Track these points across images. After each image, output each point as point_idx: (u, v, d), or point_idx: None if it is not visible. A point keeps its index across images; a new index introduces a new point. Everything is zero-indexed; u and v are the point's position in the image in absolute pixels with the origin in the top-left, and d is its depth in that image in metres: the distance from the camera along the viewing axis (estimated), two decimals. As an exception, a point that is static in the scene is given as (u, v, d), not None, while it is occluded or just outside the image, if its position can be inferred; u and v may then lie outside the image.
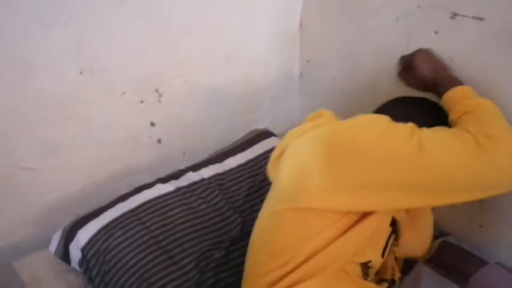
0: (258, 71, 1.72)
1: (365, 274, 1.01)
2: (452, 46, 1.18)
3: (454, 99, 1.02)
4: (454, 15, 1.18)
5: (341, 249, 0.94)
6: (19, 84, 1.19)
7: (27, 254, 1.32)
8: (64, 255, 1.28)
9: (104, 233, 1.25)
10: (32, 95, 1.22)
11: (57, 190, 1.40)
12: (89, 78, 1.29)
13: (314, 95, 1.81)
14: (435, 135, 0.91)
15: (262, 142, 1.59)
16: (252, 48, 1.65)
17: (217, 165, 1.50)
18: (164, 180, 1.42)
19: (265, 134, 1.63)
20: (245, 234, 1.31)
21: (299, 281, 0.93)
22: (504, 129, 0.92)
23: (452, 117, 1.01)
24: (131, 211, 1.30)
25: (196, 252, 1.24)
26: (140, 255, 1.21)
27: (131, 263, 1.20)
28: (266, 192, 1.41)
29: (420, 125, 0.94)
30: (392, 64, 1.39)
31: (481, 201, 1.24)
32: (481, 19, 1.12)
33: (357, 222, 0.95)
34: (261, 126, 1.74)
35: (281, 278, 0.94)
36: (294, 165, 0.99)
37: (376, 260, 1.02)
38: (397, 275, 1.15)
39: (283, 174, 1.02)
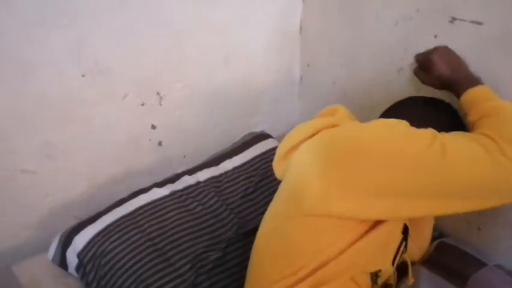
0: (258, 75, 1.72)
1: (374, 283, 0.98)
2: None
3: (473, 100, 0.99)
4: (453, 19, 1.19)
5: (354, 258, 0.92)
6: (20, 86, 1.20)
7: (27, 257, 1.32)
8: (61, 261, 1.28)
9: (100, 238, 1.26)
10: (32, 97, 1.23)
11: (58, 193, 1.40)
12: (90, 81, 1.30)
13: (314, 99, 1.81)
14: (457, 140, 0.89)
15: (258, 144, 1.60)
16: (252, 51, 1.65)
17: (213, 168, 1.51)
18: (160, 184, 1.43)
19: (261, 136, 1.64)
20: (241, 235, 1.32)
21: None
22: None
23: (470, 118, 0.99)
24: (127, 215, 1.31)
25: (191, 254, 1.24)
26: (136, 258, 1.22)
27: (126, 266, 1.20)
28: (262, 193, 1.43)
29: (437, 127, 0.92)
30: (391, 67, 1.41)
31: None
32: (480, 23, 1.13)
33: (370, 229, 0.92)
34: (261, 129, 1.74)
35: (291, 286, 0.92)
36: (307, 170, 0.96)
37: (386, 269, 1.00)
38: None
39: (295, 177, 1.00)
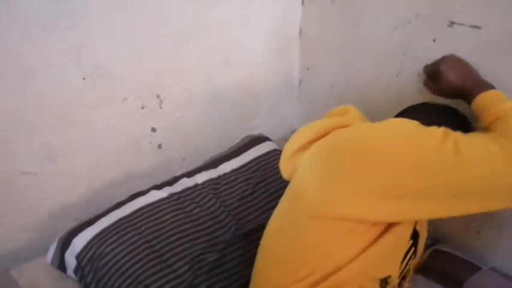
0: (257, 78, 1.73)
1: None
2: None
3: (484, 104, 0.97)
4: (451, 23, 1.20)
5: (364, 265, 0.90)
6: (20, 89, 1.20)
7: (27, 259, 1.32)
8: (60, 263, 1.28)
9: (98, 240, 1.26)
10: (33, 100, 1.23)
11: (58, 195, 1.40)
12: (91, 84, 1.30)
13: (313, 102, 1.82)
14: (472, 139, 0.86)
15: (256, 147, 1.60)
16: (252, 54, 1.66)
17: (211, 170, 1.51)
18: (158, 187, 1.43)
19: (259, 139, 1.64)
20: (239, 237, 1.32)
21: None
22: None
23: (483, 123, 0.96)
24: (125, 218, 1.31)
25: (189, 255, 1.25)
26: (134, 260, 1.22)
27: (124, 268, 1.21)
28: (260, 195, 1.43)
29: None
30: (390, 71, 1.42)
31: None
32: (478, 27, 1.14)
33: (381, 235, 0.90)
34: (260, 132, 1.75)
35: None
36: (321, 172, 0.94)
37: (395, 275, 0.98)
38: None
39: (304, 178, 0.98)
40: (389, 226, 0.90)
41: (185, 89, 1.53)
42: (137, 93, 1.42)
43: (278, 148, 1.61)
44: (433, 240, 1.35)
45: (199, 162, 1.57)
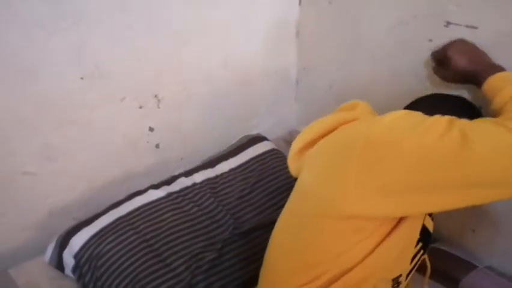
0: (255, 78, 1.73)
1: None
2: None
3: (495, 87, 0.94)
4: (448, 23, 1.21)
5: (377, 263, 0.88)
6: (20, 89, 1.20)
7: (26, 259, 1.33)
8: (58, 263, 1.28)
9: (96, 239, 1.26)
10: (32, 100, 1.23)
11: (58, 195, 1.40)
12: (90, 84, 1.30)
13: (311, 102, 1.83)
14: (479, 126, 0.82)
15: (254, 146, 1.60)
16: (250, 54, 1.66)
17: (209, 170, 1.51)
18: (156, 186, 1.44)
19: (257, 139, 1.64)
20: (237, 236, 1.33)
21: None
22: None
23: (495, 106, 0.93)
24: (123, 217, 1.31)
25: (187, 255, 1.25)
26: (132, 259, 1.22)
27: (122, 267, 1.21)
28: (258, 194, 1.44)
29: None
30: (387, 71, 1.42)
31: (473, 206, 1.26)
32: (474, 28, 1.15)
33: (390, 233, 0.88)
34: (258, 132, 1.75)
35: None
36: (327, 168, 0.92)
37: (405, 273, 0.96)
38: None
39: (311, 177, 0.96)
40: (398, 224, 0.88)
41: (183, 89, 1.53)
42: (135, 93, 1.42)
43: (276, 148, 1.62)
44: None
45: (197, 162, 1.57)
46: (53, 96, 1.26)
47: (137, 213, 1.33)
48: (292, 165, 1.06)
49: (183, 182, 1.45)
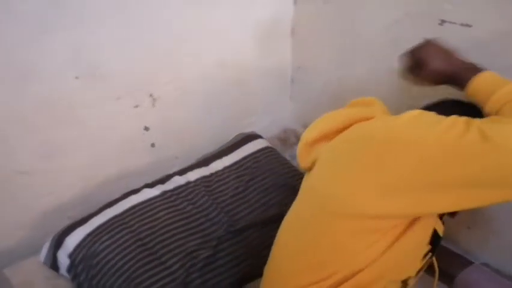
0: (250, 77, 1.73)
1: None
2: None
3: (485, 88, 0.91)
4: (442, 22, 1.21)
5: (387, 264, 0.87)
6: (17, 89, 1.20)
7: (21, 258, 1.32)
8: (53, 263, 1.28)
9: (91, 238, 1.26)
10: (29, 99, 1.23)
11: (54, 193, 1.40)
12: (85, 83, 1.30)
13: (306, 100, 1.83)
14: (494, 123, 0.80)
15: (248, 144, 1.61)
16: (245, 54, 1.67)
17: (203, 168, 1.51)
18: (150, 185, 1.44)
19: (251, 137, 1.64)
20: (231, 233, 1.33)
21: None
22: None
23: (490, 107, 0.90)
24: (117, 216, 1.31)
25: (182, 252, 1.25)
26: (127, 258, 1.22)
27: (117, 266, 1.21)
28: (253, 192, 1.44)
29: None
30: (381, 69, 1.43)
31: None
32: (469, 26, 1.16)
33: (402, 234, 0.86)
34: (254, 130, 1.75)
35: None
36: (341, 167, 0.90)
37: (414, 275, 0.96)
38: None
39: (326, 175, 0.93)
40: (410, 226, 0.87)
41: (178, 88, 1.53)
42: (130, 93, 1.42)
43: (270, 146, 1.62)
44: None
45: (192, 161, 1.57)
46: (49, 95, 1.26)
47: (131, 212, 1.33)
48: (303, 157, 1.03)
49: (178, 181, 1.45)
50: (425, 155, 0.79)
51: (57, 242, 1.28)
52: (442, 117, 0.83)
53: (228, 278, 1.25)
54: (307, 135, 1.02)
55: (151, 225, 1.30)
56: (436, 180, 0.79)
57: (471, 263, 1.26)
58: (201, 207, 1.39)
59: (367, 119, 0.96)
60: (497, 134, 0.76)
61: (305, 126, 1.84)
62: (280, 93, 1.87)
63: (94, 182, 1.47)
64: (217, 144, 1.65)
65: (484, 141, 0.75)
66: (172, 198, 1.39)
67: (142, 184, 1.44)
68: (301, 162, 1.04)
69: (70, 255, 1.25)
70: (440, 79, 1.02)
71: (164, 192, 1.40)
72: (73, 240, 1.26)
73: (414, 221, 0.87)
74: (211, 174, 1.50)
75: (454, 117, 0.82)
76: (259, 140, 1.63)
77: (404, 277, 0.93)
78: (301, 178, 1.06)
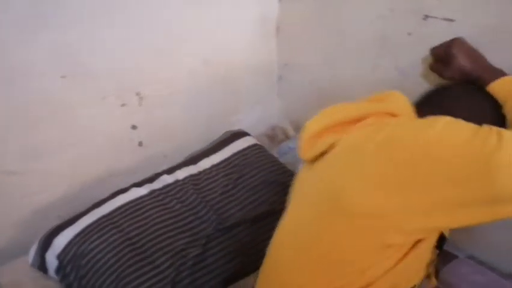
0: (237, 75, 1.74)
1: None
2: (425, 47, 1.17)
3: (506, 89, 0.94)
4: (426, 17, 1.23)
5: (397, 277, 0.84)
6: (3, 88, 1.19)
7: (10, 258, 1.31)
8: (41, 264, 1.27)
9: (79, 239, 1.25)
10: (14, 99, 1.22)
11: (41, 193, 1.40)
12: (71, 83, 1.30)
13: (293, 98, 1.84)
14: None
15: (236, 142, 1.60)
16: (231, 52, 1.67)
17: (191, 166, 1.51)
18: (139, 184, 1.43)
19: (239, 134, 1.64)
20: (220, 231, 1.33)
21: None
22: None
23: (510, 107, 0.91)
24: (106, 216, 1.31)
25: (171, 251, 1.25)
26: (116, 257, 1.22)
27: (107, 265, 1.21)
28: (241, 189, 1.43)
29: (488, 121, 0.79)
30: (367, 65, 1.44)
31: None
32: (452, 20, 1.17)
33: (415, 245, 0.83)
34: (241, 128, 1.76)
35: None
36: (358, 174, 0.82)
37: (420, 281, 0.94)
38: None
39: (347, 179, 0.84)
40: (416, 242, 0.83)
41: (165, 86, 1.53)
42: (117, 91, 1.42)
43: (258, 143, 1.62)
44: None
45: (181, 159, 1.57)
46: (36, 94, 1.25)
47: (120, 211, 1.32)
48: (307, 147, 0.95)
49: (166, 179, 1.45)
50: (463, 171, 0.73)
51: (45, 243, 1.27)
52: (477, 129, 0.76)
53: (217, 276, 1.25)
54: (313, 126, 0.95)
55: (139, 224, 1.30)
56: (477, 196, 0.73)
57: (455, 256, 1.27)
58: (189, 206, 1.38)
59: (390, 114, 0.91)
60: None
61: (293, 124, 1.87)
62: (267, 91, 1.87)
63: (82, 181, 1.47)
64: (205, 142, 1.65)
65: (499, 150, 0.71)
66: (160, 197, 1.39)
67: (131, 183, 1.43)
68: (305, 153, 0.97)
69: (59, 256, 1.24)
70: (466, 75, 1.03)
71: (153, 191, 1.40)
72: (61, 241, 1.26)
73: None
74: (200, 173, 1.49)
75: (487, 129, 0.76)
76: (246, 138, 1.63)
77: (412, 284, 0.91)
78: (291, 175, 1.05)
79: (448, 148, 0.74)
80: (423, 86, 1.15)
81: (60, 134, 1.35)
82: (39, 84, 1.25)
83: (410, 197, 0.76)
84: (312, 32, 1.62)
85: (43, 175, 1.37)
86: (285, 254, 0.95)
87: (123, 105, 1.45)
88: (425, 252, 0.89)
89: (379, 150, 0.81)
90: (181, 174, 1.47)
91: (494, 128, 0.75)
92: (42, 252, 1.26)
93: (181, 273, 1.22)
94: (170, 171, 1.49)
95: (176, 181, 1.44)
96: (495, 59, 1.03)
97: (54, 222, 1.32)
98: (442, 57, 1.09)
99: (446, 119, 0.79)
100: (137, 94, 1.47)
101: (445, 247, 1.27)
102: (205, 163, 1.53)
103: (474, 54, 1.05)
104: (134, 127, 1.52)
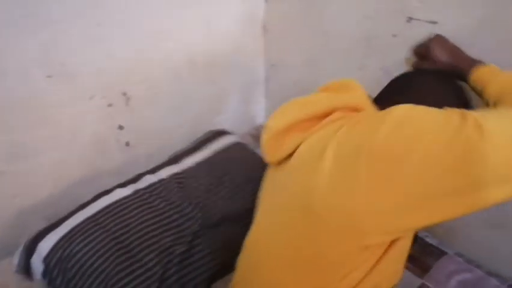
0: (224, 75, 1.74)
1: None
2: (410, 48, 1.19)
3: (489, 74, 0.96)
4: (410, 19, 1.24)
5: (377, 278, 0.82)
6: (-14, 88, 1.19)
7: (-5, 259, 1.31)
8: (27, 270, 1.26)
9: (65, 241, 1.25)
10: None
11: (26, 194, 1.39)
12: (57, 82, 1.29)
13: (280, 98, 1.81)
14: (490, 115, 0.73)
15: (218, 140, 1.61)
16: (218, 52, 1.67)
17: (174, 166, 1.51)
18: (122, 185, 1.43)
19: (221, 133, 1.66)
20: (206, 228, 1.34)
21: None
22: None
23: (490, 91, 0.92)
24: (91, 217, 1.30)
25: (158, 249, 1.26)
26: (103, 257, 1.22)
27: (94, 266, 1.20)
28: (226, 187, 1.44)
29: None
30: (352, 65, 1.45)
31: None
32: (434, 22, 1.19)
33: (392, 244, 0.80)
34: (228, 128, 1.76)
35: None
36: (327, 176, 0.77)
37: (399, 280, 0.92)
38: None
39: (310, 181, 0.80)
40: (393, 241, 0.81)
41: (151, 86, 1.53)
42: (103, 91, 1.42)
43: (240, 141, 1.64)
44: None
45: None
46: (20, 94, 1.24)
47: (105, 212, 1.32)
48: (272, 149, 0.92)
49: (149, 179, 1.45)
50: (423, 163, 0.70)
51: (30, 248, 1.26)
52: (437, 113, 0.74)
53: (205, 272, 1.26)
54: (276, 124, 0.90)
55: (125, 223, 1.30)
56: (443, 183, 0.70)
57: (445, 253, 1.29)
58: (174, 204, 1.39)
59: (354, 108, 0.89)
60: (495, 125, 0.70)
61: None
62: (254, 91, 1.88)
63: (68, 182, 1.46)
64: (192, 141, 1.66)
65: (481, 136, 0.68)
66: (145, 196, 1.39)
67: (117, 183, 1.43)
68: (269, 155, 0.93)
69: (44, 260, 1.23)
70: (444, 67, 1.06)
71: (137, 191, 1.40)
72: (46, 245, 1.24)
73: None
74: (183, 171, 1.50)
75: (449, 113, 0.73)
76: (228, 136, 1.64)
77: (392, 284, 0.90)
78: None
79: (409, 142, 0.71)
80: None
81: (46, 134, 1.34)
82: (25, 84, 1.24)
83: (384, 196, 0.72)
84: (298, 32, 1.63)
85: (28, 175, 1.36)
86: (261, 255, 0.93)
87: (110, 105, 1.45)
88: (403, 250, 0.88)
89: (346, 150, 0.77)
90: (165, 173, 1.48)
91: (466, 112, 0.72)
92: (27, 258, 1.25)
93: (169, 271, 1.23)
94: (153, 170, 1.49)
95: (161, 180, 1.45)
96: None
97: (40, 223, 1.31)
98: (423, 54, 1.12)
99: (406, 108, 0.76)
100: (124, 94, 1.47)
101: (435, 243, 1.29)
102: (188, 162, 1.53)
103: (452, 48, 1.08)
104: (121, 127, 1.51)
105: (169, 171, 1.48)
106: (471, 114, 0.71)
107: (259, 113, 1.95)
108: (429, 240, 1.33)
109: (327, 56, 1.56)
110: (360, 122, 0.81)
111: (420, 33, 1.21)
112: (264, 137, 0.93)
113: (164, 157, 1.59)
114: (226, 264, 1.23)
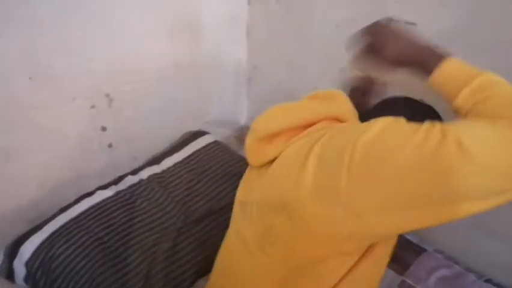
0: (207, 76, 1.75)
1: None
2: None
3: (455, 81, 0.80)
4: (390, 20, 1.27)
5: (357, 282, 0.82)
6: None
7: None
8: (9, 274, 1.26)
9: (47, 244, 1.25)
10: (-19, 101, 1.20)
11: (9, 197, 1.37)
12: (40, 84, 1.29)
13: (262, 100, 1.86)
14: (469, 127, 0.71)
15: (196, 141, 1.65)
16: (201, 53, 1.68)
17: (155, 166, 1.54)
18: (104, 187, 1.44)
19: (198, 134, 1.69)
20: (189, 224, 1.36)
21: None
22: None
23: (460, 102, 0.79)
24: (73, 219, 1.31)
25: (142, 247, 1.27)
26: (87, 258, 1.22)
27: (78, 267, 1.21)
28: (206, 183, 1.47)
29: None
30: (333, 67, 1.46)
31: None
32: (413, 24, 1.21)
33: (369, 250, 0.80)
34: (210, 129, 1.77)
35: None
36: (305, 184, 0.77)
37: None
38: None
39: (289, 189, 0.80)
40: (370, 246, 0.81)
41: (135, 88, 1.53)
42: (86, 93, 1.41)
43: (217, 140, 1.67)
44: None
45: (151, 161, 1.58)
46: (2, 96, 1.24)
47: (87, 214, 1.33)
48: (255, 152, 0.92)
49: (130, 180, 1.47)
50: (400, 171, 0.69)
51: (12, 252, 1.25)
52: (416, 127, 0.72)
53: (190, 268, 1.27)
54: (261, 128, 0.91)
55: (108, 224, 1.31)
56: (420, 193, 0.69)
57: (424, 249, 1.30)
58: (156, 202, 1.40)
59: (336, 119, 0.89)
60: (471, 140, 0.67)
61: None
62: (237, 93, 1.89)
63: (51, 184, 1.45)
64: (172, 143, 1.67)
65: (460, 151, 0.66)
66: (126, 197, 1.40)
67: (100, 185, 1.44)
68: (253, 158, 0.94)
69: (27, 264, 1.23)
70: (401, 64, 0.89)
71: (118, 192, 1.42)
72: (28, 248, 1.24)
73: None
74: (163, 171, 1.52)
75: (428, 127, 0.72)
76: (206, 136, 1.68)
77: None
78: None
79: (390, 149, 0.70)
80: (393, 89, 1.19)
81: (29, 136, 1.33)
82: (6, 85, 1.23)
83: (356, 203, 0.72)
84: (280, 35, 1.65)
85: (11, 178, 1.35)
86: (239, 257, 0.92)
87: (92, 107, 1.44)
88: (383, 257, 0.87)
89: (328, 154, 0.77)
90: (145, 174, 1.50)
91: (447, 128, 0.70)
92: (9, 262, 1.25)
93: (154, 268, 1.24)
94: (134, 172, 1.51)
95: (141, 180, 1.47)
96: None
97: (23, 226, 1.31)
98: (366, 49, 0.94)
99: (390, 120, 0.75)
100: (107, 96, 1.47)
101: (415, 241, 1.31)
102: (168, 162, 1.56)
103: (404, 36, 0.89)
104: (104, 129, 1.51)
105: (149, 172, 1.50)
106: (451, 130, 0.69)
107: (242, 114, 1.95)
108: (409, 237, 1.35)
109: (309, 58, 1.57)
110: (345, 129, 0.81)
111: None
112: (248, 141, 0.93)
113: (147, 159, 1.60)
114: (211, 259, 1.24)
